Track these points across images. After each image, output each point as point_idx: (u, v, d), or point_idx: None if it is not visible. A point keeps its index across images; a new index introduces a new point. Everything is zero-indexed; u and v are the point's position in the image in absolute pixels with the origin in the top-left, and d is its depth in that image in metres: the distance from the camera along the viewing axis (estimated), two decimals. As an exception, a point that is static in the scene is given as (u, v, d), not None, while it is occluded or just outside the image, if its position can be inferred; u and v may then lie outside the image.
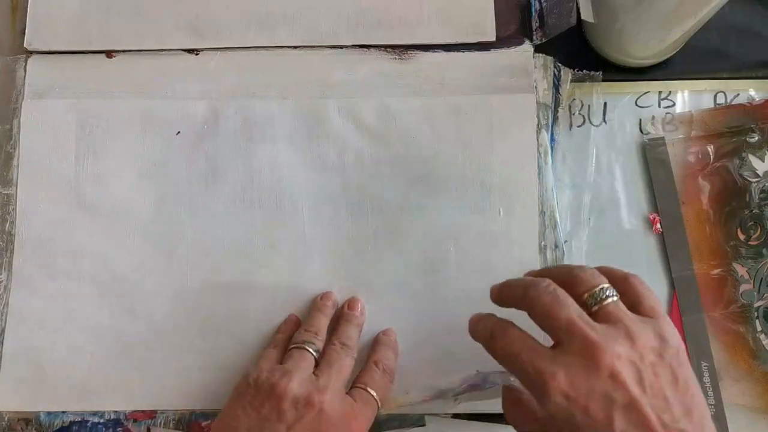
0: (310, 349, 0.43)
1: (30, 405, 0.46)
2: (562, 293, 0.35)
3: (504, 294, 0.38)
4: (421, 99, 0.49)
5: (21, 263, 0.48)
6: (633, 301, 0.36)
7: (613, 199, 0.49)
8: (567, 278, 0.36)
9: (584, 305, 0.35)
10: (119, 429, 0.46)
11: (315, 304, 0.46)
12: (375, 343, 0.46)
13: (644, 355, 0.33)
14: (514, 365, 0.35)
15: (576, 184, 0.49)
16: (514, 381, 0.40)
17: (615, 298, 0.35)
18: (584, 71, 0.49)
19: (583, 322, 0.34)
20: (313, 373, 0.41)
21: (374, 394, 0.42)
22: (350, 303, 0.46)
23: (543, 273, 0.38)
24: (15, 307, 0.47)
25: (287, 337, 0.45)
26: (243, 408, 0.40)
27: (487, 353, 0.37)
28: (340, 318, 0.46)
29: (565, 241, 0.48)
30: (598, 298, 0.35)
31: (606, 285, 0.35)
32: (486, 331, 0.37)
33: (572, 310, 0.34)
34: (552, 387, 0.33)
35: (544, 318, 0.35)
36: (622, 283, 0.36)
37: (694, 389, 0.34)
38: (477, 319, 0.39)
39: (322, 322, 0.45)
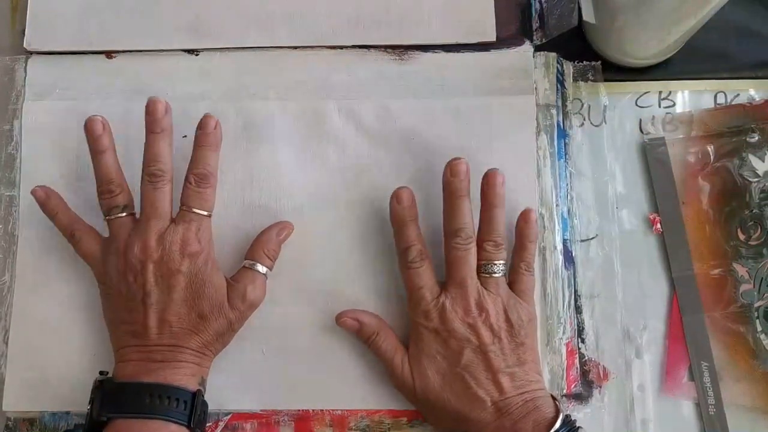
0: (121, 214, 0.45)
1: (34, 405, 0.46)
2: (472, 255, 0.43)
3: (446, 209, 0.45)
4: (421, 100, 0.49)
5: (24, 264, 0.48)
6: (512, 280, 0.45)
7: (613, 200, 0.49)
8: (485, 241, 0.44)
9: (479, 266, 0.44)
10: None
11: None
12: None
13: (500, 325, 0.43)
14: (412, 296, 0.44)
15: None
16: None
17: (501, 275, 0.44)
18: (585, 62, 0.50)
19: (472, 282, 0.43)
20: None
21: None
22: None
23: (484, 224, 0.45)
24: (19, 308, 0.47)
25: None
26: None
27: None
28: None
29: (596, 236, 0.48)
30: (490, 271, 0.43)
31: (502, 262, 0.44)
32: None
33: (470, 269, 0.43)
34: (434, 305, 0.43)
35: (452, 262, 0.44)
36: (520, 254, 0.45)
37: (531, 352, 0.43)
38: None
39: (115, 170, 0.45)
